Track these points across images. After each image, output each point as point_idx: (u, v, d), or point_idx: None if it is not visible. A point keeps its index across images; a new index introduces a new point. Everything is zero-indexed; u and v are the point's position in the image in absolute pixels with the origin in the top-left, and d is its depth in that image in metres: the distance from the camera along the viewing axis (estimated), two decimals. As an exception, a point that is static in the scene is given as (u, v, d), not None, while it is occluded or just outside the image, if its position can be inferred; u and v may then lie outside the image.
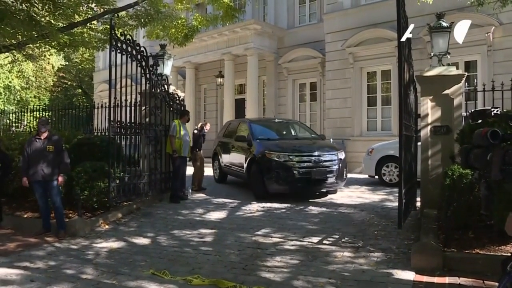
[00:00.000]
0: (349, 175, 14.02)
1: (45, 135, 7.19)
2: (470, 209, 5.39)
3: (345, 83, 15.91)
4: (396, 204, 6.36)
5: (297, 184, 9.12)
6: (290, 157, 9.12)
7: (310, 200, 9.33)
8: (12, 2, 9.12)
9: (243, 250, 5.86)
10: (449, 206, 5.37)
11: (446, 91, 7.15)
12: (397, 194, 6.30)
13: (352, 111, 15.67)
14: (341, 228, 6.89)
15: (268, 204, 8.89)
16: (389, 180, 11.09)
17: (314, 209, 8.45)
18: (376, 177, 11.49)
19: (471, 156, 3.11)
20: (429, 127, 7.32)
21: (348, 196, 9.97)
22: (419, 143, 7.63)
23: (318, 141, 10.59)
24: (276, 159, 9.13)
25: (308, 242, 6.18)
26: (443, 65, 7.40)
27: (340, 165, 9.47)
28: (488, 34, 12.71)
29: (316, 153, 9.33)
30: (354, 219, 7.58)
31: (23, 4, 9.04)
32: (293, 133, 11.39)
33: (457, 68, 7.64)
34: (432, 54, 7.65)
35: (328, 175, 9.22)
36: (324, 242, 6.19)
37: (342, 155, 9.70)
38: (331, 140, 14.74)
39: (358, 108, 15.61)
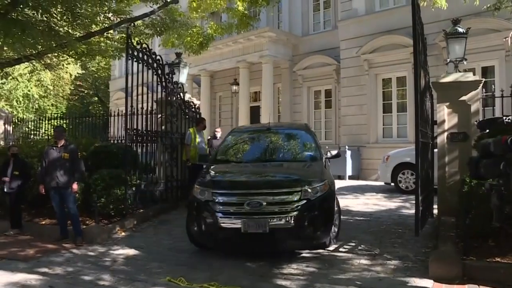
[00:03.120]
0: (364, 182, 14.03)
1: (61, 143, 7.32)
2: (490, 217, 5.31)
3: (360, 90, 15.84)
4: (413, 211, 6.30)
5: (222, 240, 5.87)
6: (215, 194, 5.84)
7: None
8: (33, 13, 9.31)
9: (260, 257, 5.84)
10: (468, 213, 5.30)
11: (463, 98, 7.08)
12: (414, 202, 6.23)
13: (367, 118, 15.58)
14: (357, 236, 6.85)
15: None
16: (405, 187, 10.97)
17: (330, 217, 8.40)
18: (392, 184, 11.38)
19: (480, 166, 3.05)
20: (445, 134, 7.25)
21: (364, 203, 9.90)
22: (435, 150, 7.56)
23: (294, 165, 6.93)
24: (199, 196, 5.97)
25: (324, 249, 6.15)
26: (460, 71, 7.34)
27: (312, 210, 5.69)
28: (506, 39, 12.53)
29: (252, 190, 5.82)
30: (370, 227, 7.52)
31: (43, 15, 9.22)
32: (273, 150, 7.49)
33: (474, 74, 7.56)
34: (448, 60, 7.59)
35: (276, 227, 5.52)
36: (340, 249, 6.16)
37: (318, 190, 5.84)
38: (346, 147, 14.68)
39: (374, 115, 15.52)
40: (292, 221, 5.53)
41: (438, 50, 13.23)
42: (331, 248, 6.18)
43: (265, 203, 5.58)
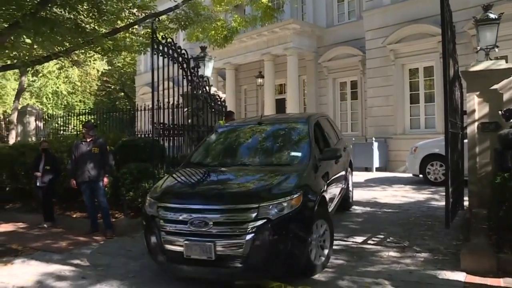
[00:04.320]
0: (392, 174, 13.87)
1: (90, 138, 7.46)
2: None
3: (387, 80, 15.61)
4: (442, 203, 6.18)
5: (167, 263, 4.68)
6: (160, 208, 4.76)
7: (354, 199, 9.19)
8: (60, 11, 9.47)
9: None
10: (501, 205, 5.17)
11: (495, 86, 6.87)
12: (443, 193, 6.13)
13: (394, 109, 15.36)
14: (386, 228, 6.77)
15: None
16: (434, 179, 10.80)
17: (357, 209, 8.34)
18: (421, 176, 11.22)
19: (508, 159, 2.93)
20: (476, 124, 7.07)
21: (392, 195, 9.78)
22: (465, 141, 7.39)
23: (269, 171, 5.29)
24: (148, 209, 4.94)
25: (353, 241, 6.10)
26: (491, 59, 7.14)
27: (273, 233, 4.33)
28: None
29: (198, 205, 4.62)
30: (399, 219, 7.43)
31: (70, 13, 9.37)
32: (254, 151, 6.11)
33: (506, 62, 7.35)
34: (479, 48, 7.39)
35: (224, 254, 4.37)
36: (369, 242, 6.10)
37: (285, 207, 4.44)
38: (373, 139, 14.51)
39: (401, 106, 15.28)
40: (244, 248, 4.24)
41: (467, 38, 12.90)
42: (360, 240, 6.14)
43: (212, 223, 4.36)
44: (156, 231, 4.66)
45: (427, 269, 4.88)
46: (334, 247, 5.77)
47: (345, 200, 7.85)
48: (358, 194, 9.69)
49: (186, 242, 4.41)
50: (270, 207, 4.36)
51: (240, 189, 4.94)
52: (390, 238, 6.21)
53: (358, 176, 13.16)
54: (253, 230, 4.26)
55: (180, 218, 4.57)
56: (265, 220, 4.29)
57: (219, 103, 10.22)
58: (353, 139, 15.76)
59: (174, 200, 4.82)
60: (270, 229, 4.28)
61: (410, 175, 12.08)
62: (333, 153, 5.94)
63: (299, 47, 18.33)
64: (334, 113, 18.30)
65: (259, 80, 20.42)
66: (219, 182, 5.35)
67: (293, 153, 5.81)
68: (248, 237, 4.25)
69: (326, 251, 5.04)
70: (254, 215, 4.31)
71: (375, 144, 14.58)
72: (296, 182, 4.84)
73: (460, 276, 4.60)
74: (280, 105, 19.63)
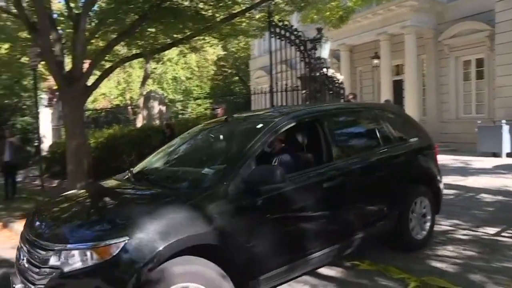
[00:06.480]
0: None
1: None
2: None
3: (520, 57, 14.11)
4: None
5: None
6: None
7: (481, 187, 8.51)
8: (181, 0, 9.96)
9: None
10: None
11: None
12: None
13: (528, 89, 13.87)
14: (523, 220, 6.16)
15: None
16: None
17: (487, 197, 7.71)
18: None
19: None
20: None
21: (527, 184, 8.89)
22: None
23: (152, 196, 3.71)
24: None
25: (483, 232, 5.64)
26: None
27: None
28: None
29: (37, 238, 3.26)
30: (537, 210, 6.72)
31: (191, 1, 9.81)
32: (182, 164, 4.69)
33: None
34: None
35: None
36: (503, 234, 5.58)
37: (88, 258, 2.85)
38: (503, 122, 13.27)
39: (536, 84, 13.75)
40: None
41: None
42: (492, 231, 5.65)
43: (28, 260, 3.23)
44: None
45: None
46: (461, 237, 5.43)
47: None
48: (486, 182, 8.97)
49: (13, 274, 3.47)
50: (64, 253, 2.92)
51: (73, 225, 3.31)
52: (529, 231, 5.64)
53: (484, 162, 12.25)
54: (47, 282, 2.92)
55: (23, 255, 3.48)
56: (57, 273, 2.90)
57: (336, 85, 10.05)
58: (479, 121, 14.56)
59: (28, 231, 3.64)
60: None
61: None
62: (263, 173, 3.52)
63: (417, 25, 17.26)
64: (456, 94, 17.06)
65: (375, 61, 19.68)
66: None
67: (207, 169, 3.91)
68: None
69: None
70: (52, 261, 2.96)
71: (505, 128, 13.33)
72: (139, 218, 3.04)
73: None
74: (397, 86, 18.78)
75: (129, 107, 23.79)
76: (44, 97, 24.56)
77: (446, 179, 9.13)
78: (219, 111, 9.44)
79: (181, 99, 31.36)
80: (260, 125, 4.08)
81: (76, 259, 2.86)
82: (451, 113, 17.25)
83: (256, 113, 5.46)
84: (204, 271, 3.06)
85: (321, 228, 4.01)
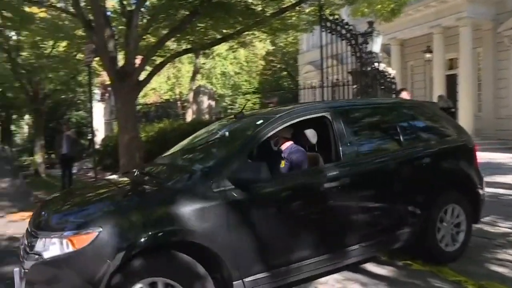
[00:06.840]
0: None
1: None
2: None
3: None
4: None
5: None
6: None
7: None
8: (232, -5, 10.01)
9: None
10: None
11: None
12: None
13: None
14: None
15: (492, 189, 7.81)
16: None
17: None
18: None
19: None
20: None
21: None
22: None
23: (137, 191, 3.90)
24: None
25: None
26: None
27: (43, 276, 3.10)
28: None
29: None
30: None
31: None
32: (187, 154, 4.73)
33: None
34: None
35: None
36: None
37: (49, 245, 3.05)
38: None
39: None
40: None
41: None
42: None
43: (24, 246, 3.39)
44: None
45: None
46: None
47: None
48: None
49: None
50: (42, 241, 3.09)
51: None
52: None
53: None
54: (32, 264, 3.06)
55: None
56: (37, 259, 3.05)
57: (388, 79, 9.79)
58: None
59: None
60: (40, 272, 3.06)
61: None
62: (249, 171, 3.45)
63: (473, 16, 16.52)
64: (515, 89, 16.25)
65: (427, 55, 19.03)
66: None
67: (197, 165, 3.92)
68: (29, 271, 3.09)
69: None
70: (36, 247, 3.11)
71: None
72: (109, 212, 3.25)
73: None
74: (451, 81, 18.09)
75: (179, 102, 24.19)
76: (97, 92, 25.41)
77: (504, 179, 8.81)
78: (273, 102, 9.44)
79: (230, 94, 31.62)
80: (259, 121, 4.00)
81: (56, 247, 2.99)
82: (510, 109, 16.39)
83: (268, 110, 5.32)
84: (179, 268, 3.09)
85: (318, 233, 3.79)
